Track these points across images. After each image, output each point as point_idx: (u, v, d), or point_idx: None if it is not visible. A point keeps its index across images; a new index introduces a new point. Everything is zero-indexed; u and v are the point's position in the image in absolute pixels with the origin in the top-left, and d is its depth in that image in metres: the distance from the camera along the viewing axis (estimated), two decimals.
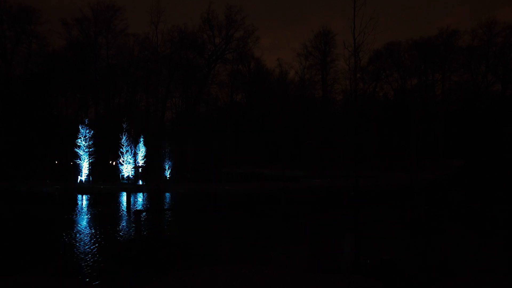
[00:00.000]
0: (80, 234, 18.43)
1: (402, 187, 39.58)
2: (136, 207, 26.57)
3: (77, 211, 25.82)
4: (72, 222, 21.50)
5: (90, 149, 46.15)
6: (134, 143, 51.89)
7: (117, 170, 52.69)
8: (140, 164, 53.51)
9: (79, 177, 45.98)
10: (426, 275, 11.47)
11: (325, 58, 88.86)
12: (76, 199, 32.01)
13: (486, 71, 78.63)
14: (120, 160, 50.71)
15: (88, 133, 46.34)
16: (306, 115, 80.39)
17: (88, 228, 19.90)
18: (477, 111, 74.75)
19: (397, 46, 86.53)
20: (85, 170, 46.35)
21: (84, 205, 29.17)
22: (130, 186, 38.53)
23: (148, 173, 54.05)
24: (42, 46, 71.41)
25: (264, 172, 60.57)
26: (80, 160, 46.13)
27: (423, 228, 18.71)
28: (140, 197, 33.13)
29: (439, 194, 33.89)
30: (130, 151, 50.41)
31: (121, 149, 49.93)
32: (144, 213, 23.64)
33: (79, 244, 16.29)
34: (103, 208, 27.64)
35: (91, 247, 15.68)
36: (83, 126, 46.21)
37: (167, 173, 51.16)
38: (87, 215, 24.13)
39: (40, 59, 71.17)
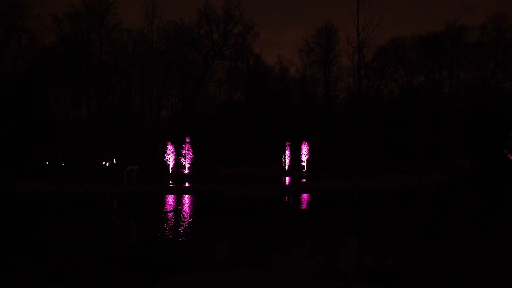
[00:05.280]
0: (71, 237, 18.46)
1: (407, 188, 39.71)
2: (131, 210, 26.62)
3: (70, 213, 25.83)
4: (64, 225, 21.53)
5: (84, 149, 46.24)
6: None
7: (111, 170, 52.72)
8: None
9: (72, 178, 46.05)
10: (433, 281, 11.51)
11: (328, 54, 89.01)
12: (69, 201, 32.00)
13: (496, 68, 78.84)
14: (114, 161, 50.75)
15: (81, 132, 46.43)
16: (308, 113, 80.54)
17: (80, 231, 19.93)
18: (486, 109, 74.88)
19: (403, 42, 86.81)
20: (78, 171, 46.45)
21: (76, 207, 29.16)
22: (124, 188, 38.60)
23: (142, 174, 54.06)
24: (32, 42, 71.53)
25: (265, 173, 60.71)
26: (73, 161, 46.23)
27: (430, 231, 18.76)
28: (134, 200, 33.14)
29: (446, 196, 33.94)
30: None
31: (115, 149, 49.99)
32: (138, 217, 23.68)
33: (71, 248, 16.33)
34: (98, 211, 27.64)
35: (83, 251, 15.71)
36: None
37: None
38: (79, 217, 24.14)
39: (30, 55, 71.19)
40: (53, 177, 46.62)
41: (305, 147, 66.43)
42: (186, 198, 33.37)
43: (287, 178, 52.28)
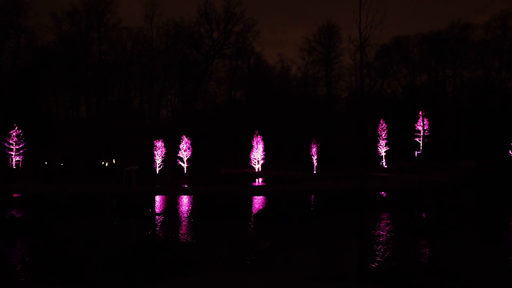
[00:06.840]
0: (70, 237, 18.44)
1: (410, 189, 39.61)
2: (130, 211, 26.62)
3: (69, 213, 25.84)
4: (63, 225, 21.52)
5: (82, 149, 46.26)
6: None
7: (110, 170, 52.75)
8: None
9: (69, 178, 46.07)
10: (437, 284, 11.44)
11: (330, 53, 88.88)
12: (67, 201, 32.02)
13: (500, 66, 78.58)
14: (113, 161, 50.78)
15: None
16: (309, 113, 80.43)
17: (78, 231, 19.91)
18: (490, 109, 74.66)
19: (406, 40, 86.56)
20: (77, 171, 46.49)
21: (75, 208, 29.18)
22: (123, 188, 38.63)
23: (142, 174, 54.13)
24: (31, 41, 71.71)
25: (265, 173, 60.69)
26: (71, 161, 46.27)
27: (433, 232, 18.69)
28: (134, 200, 33.17)
29: (449, 197, 33.86)
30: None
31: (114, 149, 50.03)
32: (138, 217, 23.68)
33: (69, 248, 16.31)
34: (97, 211, 27.66)
35: (82, 251, 15.69)
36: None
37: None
38: (78, 217, 24.16)
39: (28, 54, 71.37)
40: (52, 177, 46.66)
41: (306, 147, 66.32)
42: (186, 199, 33.37)
43: (287, 178, 52.19)
